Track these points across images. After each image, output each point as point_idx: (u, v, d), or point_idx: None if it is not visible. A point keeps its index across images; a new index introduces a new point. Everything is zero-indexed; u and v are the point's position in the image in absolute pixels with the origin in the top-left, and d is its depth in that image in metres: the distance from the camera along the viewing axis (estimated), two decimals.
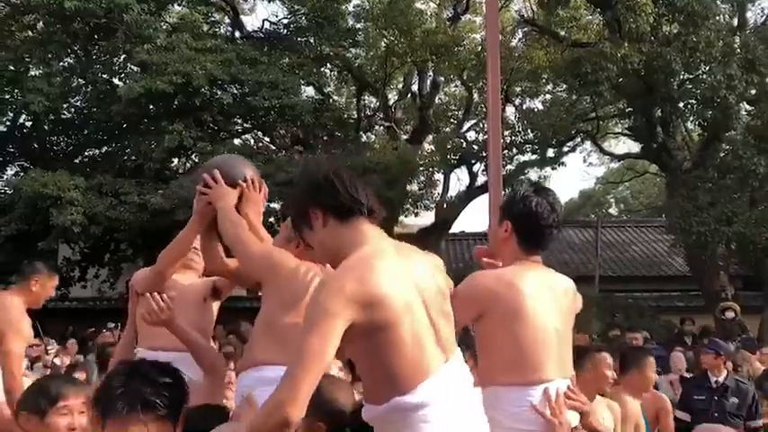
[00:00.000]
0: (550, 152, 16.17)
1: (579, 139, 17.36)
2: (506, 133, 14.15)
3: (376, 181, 12.42)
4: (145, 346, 3.30)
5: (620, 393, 4.16)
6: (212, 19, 16.87)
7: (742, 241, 12.15)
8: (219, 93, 14.58)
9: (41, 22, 15.53)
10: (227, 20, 17.27)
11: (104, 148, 16.68)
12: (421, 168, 15.62)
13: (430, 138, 17.46)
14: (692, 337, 10.12)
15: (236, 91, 14.82)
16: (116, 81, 15.69)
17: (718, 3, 13.31)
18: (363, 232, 2.02)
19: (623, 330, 9.57)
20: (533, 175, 16.75)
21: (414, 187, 15.93)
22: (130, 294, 3.42)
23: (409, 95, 18.50)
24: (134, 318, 3.33)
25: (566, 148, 16.88)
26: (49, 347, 9.47)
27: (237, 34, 16.91)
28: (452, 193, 17.56)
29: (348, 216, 2.03)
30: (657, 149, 14.00)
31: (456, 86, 18.67)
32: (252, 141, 17.03)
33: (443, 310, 2.04)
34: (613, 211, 30.59)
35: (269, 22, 17.05)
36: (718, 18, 12.93)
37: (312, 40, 15.98)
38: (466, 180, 17.18)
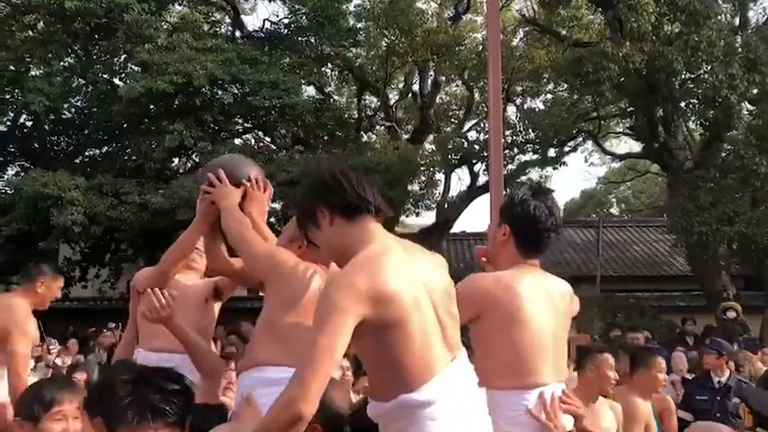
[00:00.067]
0: (552, 152, 16.14)
1: (580, 139, 17.36)
2: (507, 133, 14.13)
3: (377, 181, 12.38)
4: (145, 347, 3.29)
5: (629, 394, 4.15)
6: (213, 19, 16.89)
7: (743, 241, 12.13)
8: (220, 92, 14.56)
9: (42, 22, 15.50)
10: (227, 19, 17.27)
11: (105, 148, 16.64)
12: (422, 168, 15.61)
13: (431, 137, 17.44)
14: (693, 338, 10.12)
15: (236, 91, 14.79)
16: (117, 81, 15.65)
17: (720, 2, 13.27)
18: (370, 230, 2.03)
19: (624, 330, 9.52)
20: (534, 174, 16.73)
21: (415, 187, 15.92)
22: (131, 294, 3.41)
23: (410, 95, 18.51)
24: (135, 317, 3.33)
25: (567, 148, 16.87)
26: (51, 347, 9.46)
27: (238, 34, 16.89)
28: (453, 192, 17.60)
29: (355, 214, 2.03)
30: (659, 149, 13.99)
31: (457, 86, 18.68)
32: (252, 141, 17.02)
33: (450, 309, 2.04)
34: (615, 210, 30.54)
35: (270, 21, 17.04)
36: (719, 17, 12.91)
37: (313, 40, 15.95)
38: (467, 180, 17.23)
